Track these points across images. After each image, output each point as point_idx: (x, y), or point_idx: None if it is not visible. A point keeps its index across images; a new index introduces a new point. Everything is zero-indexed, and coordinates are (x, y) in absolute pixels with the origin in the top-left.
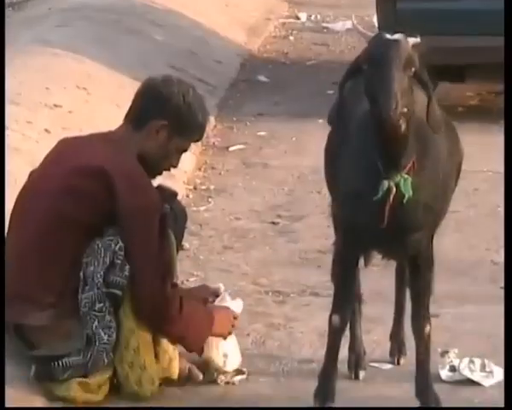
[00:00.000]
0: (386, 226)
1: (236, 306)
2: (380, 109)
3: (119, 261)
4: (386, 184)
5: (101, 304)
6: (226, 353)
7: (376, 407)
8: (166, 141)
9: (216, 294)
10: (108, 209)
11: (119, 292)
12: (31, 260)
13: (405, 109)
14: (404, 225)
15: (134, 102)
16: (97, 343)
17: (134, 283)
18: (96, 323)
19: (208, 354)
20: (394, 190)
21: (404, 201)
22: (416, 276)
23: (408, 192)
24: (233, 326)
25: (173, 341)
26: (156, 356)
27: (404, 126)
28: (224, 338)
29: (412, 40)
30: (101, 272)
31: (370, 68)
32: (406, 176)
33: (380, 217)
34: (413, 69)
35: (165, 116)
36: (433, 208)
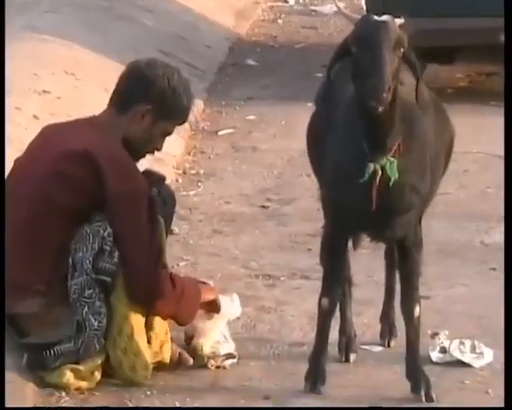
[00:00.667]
0: (376, 209)
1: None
2: (371, 90)
3: (107, 247)
4: (371, 166)
5: (91, 290)
6: (218, 340)
7: (376, 407)
8: (151, 125)
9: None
10: (95, 194)
11: (108, 279)
12: (19, 248)
13: (392, 88)
14: (392, 207)
15: (118, 85)
16: (88, 330)
17: (126, 266)
18: (86, 309)
19: (198, 340)
20: (380, 172)
21: (391, 183)
22: (404, 258)
23: (394, 175)
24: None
25: (166, 317)
26: (148, 341)
27: (389, 107)
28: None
29: (398, 21)
30: (90, 258)
31: (359, 50)
32: (392, 159)
33: (368, 200)
34: (402, 50)
35: (149, 100)
36: (420, 190)
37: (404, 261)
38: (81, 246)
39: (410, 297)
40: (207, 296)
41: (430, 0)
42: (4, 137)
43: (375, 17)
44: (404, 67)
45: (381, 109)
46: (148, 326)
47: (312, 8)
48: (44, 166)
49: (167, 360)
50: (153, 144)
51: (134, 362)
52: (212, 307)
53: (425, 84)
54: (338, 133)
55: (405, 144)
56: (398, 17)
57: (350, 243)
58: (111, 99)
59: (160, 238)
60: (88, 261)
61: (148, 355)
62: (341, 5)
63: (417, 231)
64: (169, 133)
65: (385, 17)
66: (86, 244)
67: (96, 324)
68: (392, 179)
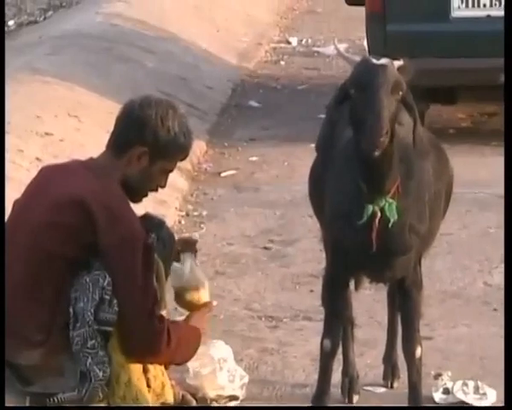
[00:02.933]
0: (376, 250)
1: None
2: (368, 134)
3: (107, 297)
4: (370, 208)
5: (93, 341)
6: (222, 385)
7: (376, 407)
8: (149, 166)
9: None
10: (90, 242)
11: (110, 329)
12: (17, 298)
13: (390, 132)
14: (391, 248)
15: (114, 127)
16: (93, 380)
17: (120, 318)
18: (89, 360)
19: (200, 382)
20: (379, 214)
21: (390, 225)
22: (404, 298)
23: (393, 217)
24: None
25: (162, 365)
26: (148, 383)
27: (387, 150)
28: None
29: (397, 63)
30: (92, 310)
31: (357, 93)
32: (391, 200)
33: (367, 242)
34: (400, 93)
35: (144, 142)
36: (419, 231)
37: (404, 302)
38: (81, 296)
39: (411, 338)
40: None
41: (432, 40)
42: (4, 149)
43: (374, 60)
44: (402, 107)
45: (377, 153)
46: (145, 369)
47: (315, 49)
48: (38, 216)
49: (170, 401)
50: (154, 183)
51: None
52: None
53: (424, 126)
54: (337, 175)
55: (404, 185)
56: (399, 59)
57: (352, 284)
58: (108, 141)
59: (159, 284)
60: (89, 313)
61: (147, 401)
62: (342, 46)
63: (417, 272)
64: (170, 170)
65: (383, 60)
66: (87, 294)
67: (100, 374)
68: (392, 221)
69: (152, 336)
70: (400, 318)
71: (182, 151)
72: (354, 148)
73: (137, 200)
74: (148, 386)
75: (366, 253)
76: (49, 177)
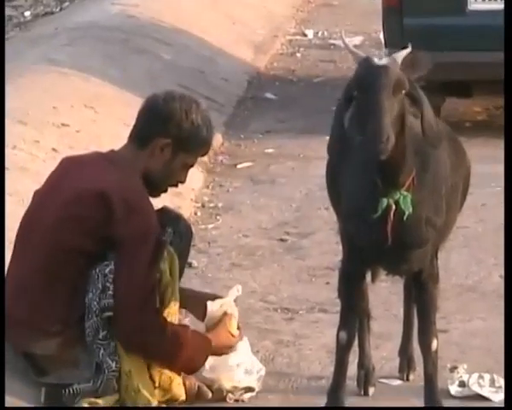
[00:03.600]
0: (392, 243)
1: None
2: (370, 141)
3: (108, 284)
4: (385, 201)
5: (105, 332)
6: (239, 379)
7: (374, 407)
8: (171, 158)
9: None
10: (108, 234)
11: (111, 314)
12: (34, 289)
13: (393, 135)
14: (407, 241)
15: (137, 120)
16: (106, 371)
17: (114, 306)
18: (102, 351)
19: (216, 375)
20: (394, 207)
21: (405, 218)
22: (420, 291)
23: (408, 209)
24: (233, 337)
25: (164, 368)
26: (151, 378)
27: (397, 147)
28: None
29: (402, 54)
30: (97, 299)
31: (360, 95)
32: (406, 193)
33: (383, 235)
34: (403, 91)
35: (168, 134)
36: (435, 223)
37: (420, 295)
38: (91, 287)
39: (427, 331)
40: (219, 351)
41: (449, 34)
42: (4, 132)
43: (376, 60)
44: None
45: (383, 157)
46: (149, 364)
47: (331, 41)
48: (59, 208)
49: (180, 397)
50: (175, 177)
51: (135, 399)
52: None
53: (440, 118)
54: (352, 169)
55: (419, 178)
56: (414, 51)
57: (368, 277)
58: (130, 134)
59: (171, 279)
60: (95, 302)
61: (151, 392)
62: (358, 39)
63: (433, 265)
64: (191, 165)
65: (385, 60)
66: (95, 285)
67: (113, 365)
68: (407, 213)
69: (144, 328)
70: (416, 310)
71: (204, 144)
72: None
73: (157, 194)
74: (153, 380)
75: (382, 246)
76: (69, 168)
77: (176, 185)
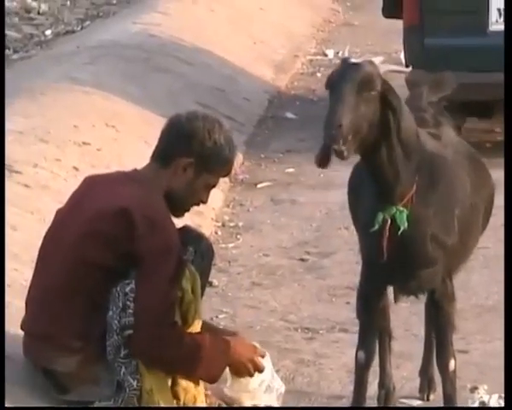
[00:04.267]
0: (395, 260)
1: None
2: (324, 128)
3: (129, 303)
4: (381, 216)
5: (127, 350)
6: (259, 396)
7: (377, 407)
8: (194, 178)
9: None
10: (129, 251)
11: (132, 332)
12: (55, 303)
13: (350, 128)
14: (410, 258)
15: (160, 139)
16: (127, 390)
17: (133, 321)
18: (123, 369)
19: (237, 394)
20: (389, 222)
21: (399, 233)
22: (436, 311)
23: (403, 225)
24: (256, 366)
25: (186, 378)
26: (177, 396)
27: (356, 151)
28: (249, 374)
29: (381, 59)
30: (118, 318)
31: (329, 93)
32: (402, 208)
33: (378, 250)
34: (373, 92)
35: (191, 153)
36: (444, 242)
37: (436, 315)
38: (111, 305)
39: (443, 351)
40: (239, 358)
41: (469, 54)
42: (4, 137)
43: (350, 60)
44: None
45: (337, 148)
46: (174, 381)
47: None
48: (81, 226)
49: None
50: (197, 197)
51: None
52: (242, 370)
53: (464, 139)
54: (363, 185)
55: (424, 195)
56: (436, 71)
57: (391, 297)
58: (153, 154)
59: (193, 298)
60: (116, 321)
61: None
62: (379, 59)
63: (447, 285)
64: (213, 185)
65: (360, 60)
66: (116, 303)
67: (134, 383)
68: (402, 229)
69: (162, 341)
70: (433, 330)
71: (226, 164)
72: None
73: (179, 214)
74: (178, 399)
75: (388, 264)
76: (92, 187)
77: (197, 204)
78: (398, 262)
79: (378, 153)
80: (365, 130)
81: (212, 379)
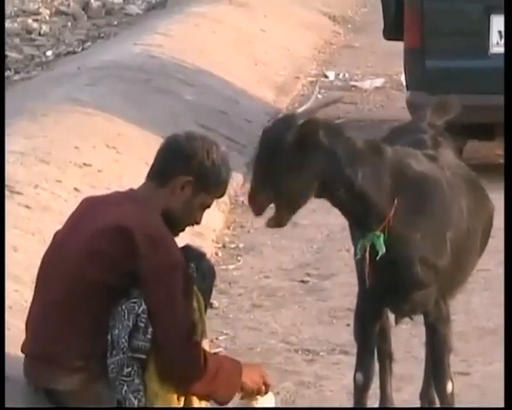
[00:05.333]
0: (385, 284)
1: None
2: None
3: (142, 324)
4: (361, 242)
5: (130, 369)
6: None
7: (377, 408)
8: (191, 197)
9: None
10: (131, 269)
11: (143, 356)
12: (56, 324)
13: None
14: (401, 281)
15: (157, 158)
16: None
17: (157, 343)
18: (125, 388)
19: None
20: (368, 248)
21: (377, 258)
22: (430, 333)
23: (381, 249)
24: (266, 385)
25: (202, 398)
26: None
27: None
28: (257, 393)
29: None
30: (126, 337)
31: None
32: (378, 233)
33: (363, 274)
34: (306, 149)
35: (189, 172)
36: (434, 265)
37: (431, 337)
38: (117, 323)
39: (440, 373)
40: (249, 383)
41: (471, 76)
42: (4, 141)
43: (285, 117)
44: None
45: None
46: (187, 403)
47: (352, 83)
48: (80, 245)
49: None
50: (193, 217)
51: None
52: (251, 392)
53: (465, 161)
54: None
55: (406, 217)
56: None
57: (392, 319)
58: (149, 173)
59: (195, 315)
60: (124, 340)
61: None
62: (380, 81)
63: (441, 307)
64: (208, 206)
65: (290, 115)
66: (122, 321)
67: (135, 402)
68: (380, 253)
69: (189, 360)
70: (429, 353)
71: (222, 185)
72: None
73: (175, 234)
74: None
75: (379, 287)
76: (90, 207)
77: (192, 225)
78: (389, 285)
79: (332, 197)
80: (293, 194)
81: (227, 400)
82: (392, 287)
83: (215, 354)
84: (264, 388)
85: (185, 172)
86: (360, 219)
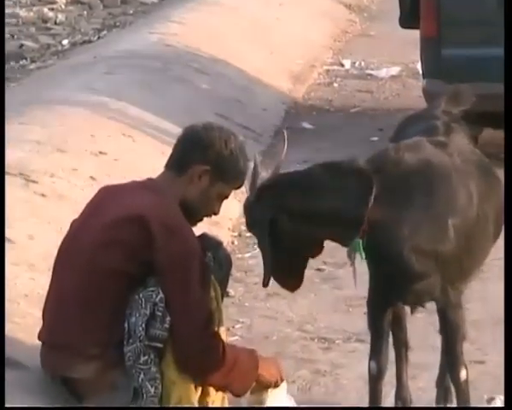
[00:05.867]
0: (385, 277)
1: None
2: None
3: (159, 313)
4: (347, 251)
5: (146, 357)
6: None
7: (376, 407)
8: (209, 186)
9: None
10: (148, 259)
11: (160, 345)
12: (73, 312)
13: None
14: (400, 275)
15: (175, 148)
16: (145, 397)
17: (174, 333)
18: (142, 376)
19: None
20: (354, 254)
21: (361, 260)
22: (442, 322)
23: (361, 254)
24: (281, 379)
25: (218, 389)
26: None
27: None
28: (274, 386)
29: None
30: (143, 325)
31: None
32: (357, 240)
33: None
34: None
35: (207, 161)
36: (433, 253)
37: (442, 325)
38: (134, 311)
39: (453, 360)
40: (266, 375)
41: (487, 64)
42: (4, 139)
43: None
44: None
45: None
46: (204, 393)
47: (368, 72)
48: (98, 233)
49: None
50: (210, 207)
51: None
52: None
53: (480, 150)
54: None
55: (392, 215)
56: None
57: (407, 308)
58: (167, 163)
59: (212, 304)
60: (141, 328)
61: None
62: (396, 69)
63: (448, 293)
64: (226, 196)
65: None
66: (139, 309)
67: (152, 390)
68: (361, 257)
69: (206, 350)
70: (442, 340)
71: (240, 176)
72: None
73: (193, 224)
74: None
75: (382, 281)
76: (107, 197)
77: (209, 216)
78: (390, 279)
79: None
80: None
81: (243, 393)
82: (394, 279)
83: (233, 345)
84: (279, 381)
85: (202, 161)
86: (339, 236)
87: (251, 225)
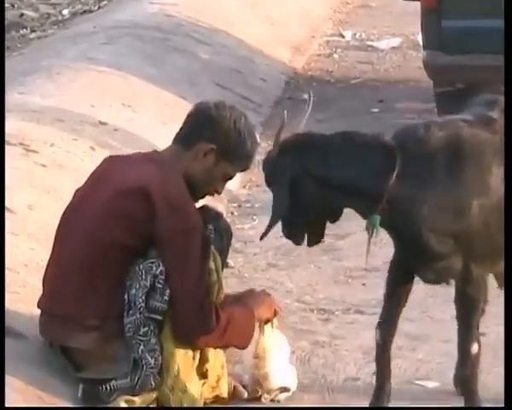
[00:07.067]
0: (405, 254)
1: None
2: None
3: (159, 286)
4: (366, 224)
5: (146, 328)
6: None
7: (376, 407)
8: (213, 165)
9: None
10: (150, 232)
11: (160, 317)
12: (73, 282)
13: None
14: (421, 255)
15: (184, 123)
16: (145, 367)
17: (173, 306)
18: (141, 347)
19: (265, 369)
20: (372, 229)
21: (375, 235)
22: (459, 295)
23: (376, 229)
24: (275, 313)
25: (217, 348)
26: (205, 375)
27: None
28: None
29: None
30: (143, 297)
31: None
32: (376, 215)
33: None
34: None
35: (214, 140)
36: (453, 232)
37: (458, 299)
38: (134, 283)
39: (466, 334)
40: (263, 314)
41: (488, 36)
42: (4, 135)
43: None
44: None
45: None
46: (204, 359)
47: (369, 43)
48: (100, 205)
49: (225, 394)
50: (213, 186)
51: (181, 399)
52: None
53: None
54: None
55: (412, 193)
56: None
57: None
58: (175, 136)
59: (212, 275)
60: (141, 300)
61: (197, 391)
62: (396, 41)
63: (470, 270)
64: (230, 177)
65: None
66: (139, 281)
67: (152, 361)
68: (375, 231)
69: (200, 326)
70: (457, 312)
71: (246, 158)
72: None
73: (195, 200)
74: (205, 377)
75: (403, 257)
76: (111, 168)
77: (212, 194)
78: (411, 257)
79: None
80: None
81: (246, 345)
82: (414, 258)
83: (226, 304)
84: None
85: (209, 139)
86: (357, 207)
87: (271, 180)
